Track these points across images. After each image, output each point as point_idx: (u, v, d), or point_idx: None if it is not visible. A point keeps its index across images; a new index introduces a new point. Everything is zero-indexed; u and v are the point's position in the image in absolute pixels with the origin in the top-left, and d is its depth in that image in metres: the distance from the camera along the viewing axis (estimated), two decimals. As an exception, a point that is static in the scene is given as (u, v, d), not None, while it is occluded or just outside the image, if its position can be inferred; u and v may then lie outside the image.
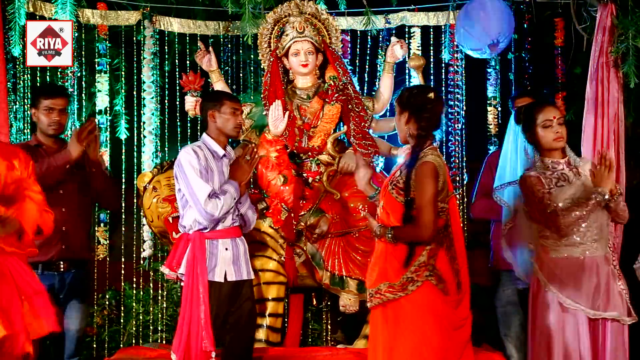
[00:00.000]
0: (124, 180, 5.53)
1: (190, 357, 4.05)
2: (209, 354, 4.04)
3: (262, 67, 5.28)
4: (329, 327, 5.44)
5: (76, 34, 5.32)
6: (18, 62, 5.29)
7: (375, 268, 3.70)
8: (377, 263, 3.70)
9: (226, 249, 4.18)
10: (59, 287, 4.38)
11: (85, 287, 4.65)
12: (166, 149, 5.62)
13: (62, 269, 4.40)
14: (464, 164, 5.62)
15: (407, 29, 5.64)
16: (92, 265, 5.17)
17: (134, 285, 5.65)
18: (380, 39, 5.63)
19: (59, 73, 5.46)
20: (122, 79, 5.72)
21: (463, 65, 5.63)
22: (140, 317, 5.62)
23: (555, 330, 3.98)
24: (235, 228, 4.27)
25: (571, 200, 3.95)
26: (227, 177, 4.24)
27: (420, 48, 5.63)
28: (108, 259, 5.57)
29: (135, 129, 5.62)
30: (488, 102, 5.75)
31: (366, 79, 5.70)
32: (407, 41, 5.48)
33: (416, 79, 5.39)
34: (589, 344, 3.95)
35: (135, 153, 5.59)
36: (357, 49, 5.69)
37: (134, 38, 5.62)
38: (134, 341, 5.59)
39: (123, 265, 5.67)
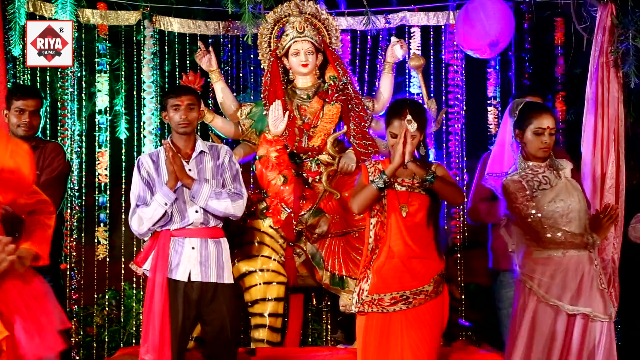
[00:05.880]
0: (123, 181, 5.52)
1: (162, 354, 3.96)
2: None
3: (262, 67, 5.28)
4: (329, 327, 5.44)
5: (76, 34, 5.32)
6: (18, 62, 5.29)
7: (404, 269, 3.77)
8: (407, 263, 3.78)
9: (192, 248, 4.04)
10: None
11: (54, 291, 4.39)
12: (166, 149, 5.62)
13: None
14: (464, 164, 5.62)
15: (407, 29, 5.65)
16: (59, 268, 4.89)
17: (134, 285, 5.65)
18: (380, 38, 5.64)
19: (59, 73, 5.46)
20: (122, 79, 5.72)
21: (463, 65, 5.63)
22: (140, 317, 5.62)
23: (537, 325, 3.93)
24: (208, 229, 4.10)
25: (559, 208, 3.91)
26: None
27: (420, 48, 5.63)
28: (108, 259, 5.57)
29: (135, 129, 5.63)
30: (488, 102, 5.75)
31: (366, 79, 5.70)
32: (407, 41, 5.48)
33: (416, 79, 5.39)
34: (566, 340, 3.88)
35: (135, 153, 5.59)
36: (357, 49, 5.69)
37: (134, 38, 5.62)
38: (134, 341, 5.59)
39: (123, 265, 5.66)
